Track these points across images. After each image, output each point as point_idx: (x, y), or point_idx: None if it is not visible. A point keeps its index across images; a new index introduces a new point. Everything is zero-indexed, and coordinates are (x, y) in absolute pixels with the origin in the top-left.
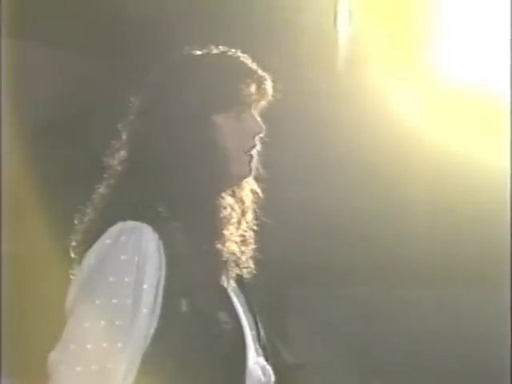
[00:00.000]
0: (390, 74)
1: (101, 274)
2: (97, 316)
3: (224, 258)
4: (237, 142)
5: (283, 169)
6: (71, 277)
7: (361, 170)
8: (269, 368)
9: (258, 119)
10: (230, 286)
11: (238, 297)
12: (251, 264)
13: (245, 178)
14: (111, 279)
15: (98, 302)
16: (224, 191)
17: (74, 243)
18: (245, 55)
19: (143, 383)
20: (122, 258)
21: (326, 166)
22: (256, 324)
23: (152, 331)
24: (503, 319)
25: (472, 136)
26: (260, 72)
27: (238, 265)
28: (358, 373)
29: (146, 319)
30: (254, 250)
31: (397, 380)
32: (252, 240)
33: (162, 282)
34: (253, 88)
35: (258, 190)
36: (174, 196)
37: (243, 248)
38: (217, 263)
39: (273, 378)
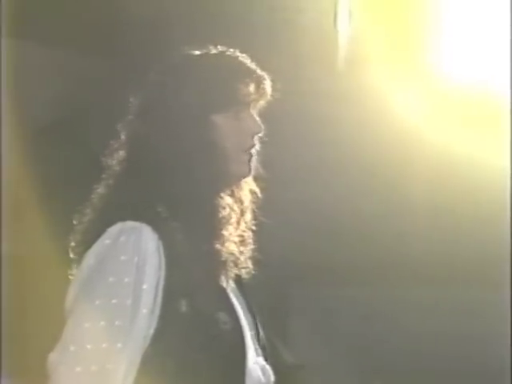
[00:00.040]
0: (390, 74)
1: (100, 275)
2: (96, 316)
3: (223, 258)
4: (236, 141)
5: (283, 169)
6: (70, 277)
7: (361, 170)
8: (268, 368)
9: (257, 119)
10: (230, 286)
11: (237, 297)
12: (250, 264)
13: (244, 177)
14: (111, 279)
15: (97, 302)
16: (223, 191)
17: (73, 243)
18: (243, 55)
19: (143, 383)
20: (122, 258)
21: (326, 166)
22: (255, 324)
23: (152, 331)
24: (503, 319)
25: (472, 136)
26: (259, 71)
27: (236, 265)
28: (359, 373)
29: (145, 319)
30: (253, 250)
31: (397, 380)
32: (251, 240)
33: (162, 283)
34: (251, 87)
35: (257, 190)
36: (174, 196)
37: (242, 248)
38: (216, 263)
39: (272, 378)
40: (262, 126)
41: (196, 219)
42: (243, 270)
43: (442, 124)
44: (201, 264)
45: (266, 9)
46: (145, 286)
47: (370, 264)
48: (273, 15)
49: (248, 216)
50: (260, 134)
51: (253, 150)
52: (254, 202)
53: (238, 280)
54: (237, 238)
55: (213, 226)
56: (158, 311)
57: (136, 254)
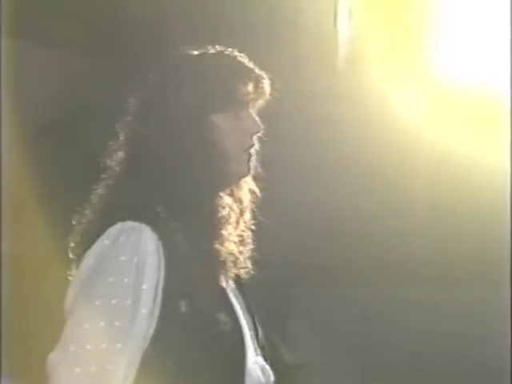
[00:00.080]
0: (390, 74)
1: (100, 275)
2: (96, 317)
3: (222, 258)
4: (235, 141)
5: (284, 169)
6: (70, 278)
7: (361, 170)
8: (268, 368)
9: (256, 118)
10: (229, 286)
11: (236, 297)
12: (249, 264)
13: (243, 177)
14: (110, 280)
15: (97, 302)
16: (222, 190)
17: (72, 244)
18: (242, 54)
19: None
20: (122, 258)
21: (326, 166)
22: (254, 324)
23: (151, 332)
24: (503, 319)
25: (472, 136)
26: (257, 71)
27: (235, 265)
28: (359, 373)
29: (145, 320)
30: (252, 250)
31: (398, 380)
32: (250, 240)
33: (161, 283)
34: (250, 87)
35: (256, 190)
36: (173, 196)
37: (241, 248)
38: (215, 263)
39: (272, 378)
40: (261, 126)
41: (195, 219)
42: (242, 270)
43: (441, 124)
44: (200, 264)
45: (266, 9)
46: (144, 287)
47: (371, 264)
48: (273, 15)
49: (247, 216)
50: (259, 134)
51: (252, 150)
52: (253, 202)
53: (238, 280)
54: (236, 237)
55: (212, 225)
56: (157, 311)
57: (135, 254)
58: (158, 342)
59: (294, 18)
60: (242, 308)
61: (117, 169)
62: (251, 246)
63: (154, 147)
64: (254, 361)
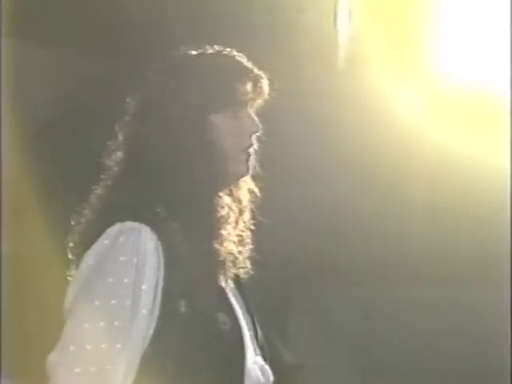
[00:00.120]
0: (390, 74)
1: (100, 275)
2: (96, 317)
3: (222, 258)
4: (234, 141)
5: (284, 169)
6: (69, 278)
7: (361, 170)
8: (267, 368)
9: (255, 118)
10: (228, 286)
11: (235, 297)
12: (248, 264)
13: (242, 176)
14: (110, 280)
15: (97, 303)
16: (221, 190)
17: (71, 244)
18: (240, 54)
19: None
20: (121, 258)
21: (326, 166)
22: (253, 324)
23: (151, 332)
24: (503, 318)
25: (472, 136)
26: (256, 70)
27: (235, 265)
28: (359, 373)
29: (144, 320)
30: (252, 250)
31: (398, 380)
32: (249, 240)
33: (161, 283)
34: (249, 86)
35: (256, 190)
36: (173, 196)
37: (240, 248)
38: (215, 263)
39: (271, 378)
40: (260, 125)
41: (195, 219)
42: (241, 270)
43: (441, 124)
44: (200, 264)
45: (266, 9)
46: (144, 287)
47: (371, 264)
48: (273, 15)
49: (246, 215)
50: (258, 134)
51: (251, 150)
52: (252, 202)
53: (237, 280)
54: (235, 237)
55: (211, 225)
56: (157, 312)
57: (135, 254)
58: (157, 342)
59: (294, 18)
60: (241, 308)
61: (116, 169)
62: (250, 246)
63: (152, 147)
64: (254, 361)
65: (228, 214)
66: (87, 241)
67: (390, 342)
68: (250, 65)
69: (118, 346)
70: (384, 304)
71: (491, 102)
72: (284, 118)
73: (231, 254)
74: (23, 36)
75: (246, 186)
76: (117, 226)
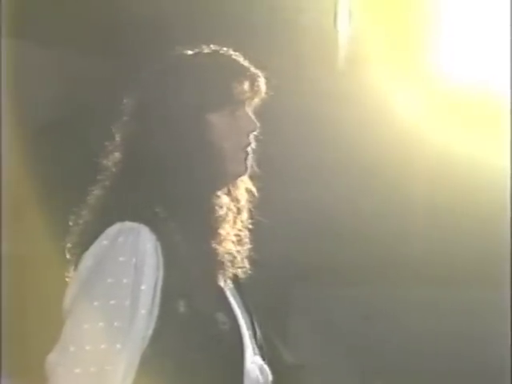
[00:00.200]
0: (390, 74)
1: (99, 276)
2: (95, 317)
3: (220, 258)
4: (232, 140)
5: (284, 169)
6: (67, 279)
7: (361, 170)
8: (266, 367)
9: (252, 117)
10: (227, 286)
11: (234, 296)
12: (246, 264)
13: (240, 175)
14: (109, 280)
15: (96, 303)
16: (220, 189)
17: (69, 245)
18: (237, 53)
19: None
20: (120, 259)
21: (326, 166)
22: (252, 323)
23: (150, 332)
24: (503, 318)
25: (472, 136)
26: (253, 69)
27: (233, 264)
28: (359, 373)
29: (144, 320)
30: (250, 249)
31: (398, 380)
32: (247, 240)
33: (160, 283)
34: (246, 85)
35: (253, 189)
36: (171, 196)
37: (239, 247)
38: (214, 263)
39: (270, 378)
40: (258, 124)
41: (193, 219)
42: (240, 270)
43: (442, 124)
44: (199, 264)
45: (266, 9)
46: (143, 287)
47: (371, 263)
48: (273, 15)
49: (244, 215)
50: (255, 132)
51: (249, 149)
52: (250, 201)
53: (236, 280)
54: (234, 237)
55: (210, 225)
56: (156, 312)
57: (134, 254)
58: (156, 342)
59: (294, 18)
60: (240, 308)
61: (113, 170)
62: (249, 246)
63: (150, 147)
64: (252, 360)
65: (226, 213)
66: (85, 241)
67: (389, 342)
68: (246, 63)
69: (118, 346)
70: (384, 304)
71: (491, 101)
72: (284, 118)
73: (230, 253)
74: (23, 36)
75: (244, 186)
76: (116, 227)
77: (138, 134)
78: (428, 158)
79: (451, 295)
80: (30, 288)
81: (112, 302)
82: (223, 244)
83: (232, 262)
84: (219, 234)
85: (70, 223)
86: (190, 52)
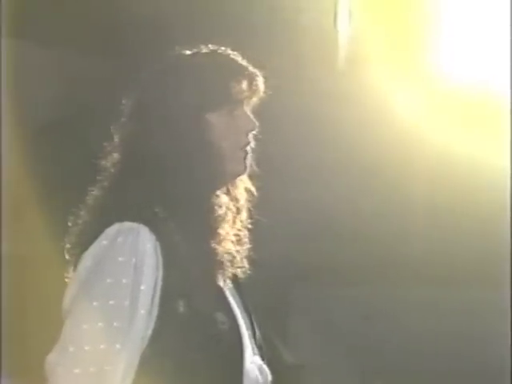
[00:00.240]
0: (390, 74)
1: (98, 276)
2: (95, 317)
3: (220, 258)
4: (231, 139)
5: (284, 169)
6: (66, 280)
7: (361, 170)
8: (265, 367)
9: (251, 116)
10: (227, 286)
11: (233, 296)
12: (246, 264)
13: (239, 175)
14: (109, 281)
15: (95, 303)
16: (219, 189)
17: (68, 245)
18: (235, 52)
19: None
20: (120, 259)
21: (326, 166)
22: (251, 323)
23: (149, 332)
24: (503, 318)
25: (472, 136)
26: (251, 68)
27: (233, 264)
28: (359, 373)
29: (143, 320)
30: (250, 249)
31: (398, 380)
32: (247, 239)
33: (160, 283)
34: (244, 85)
35: (252, 189)
36: (170, 196)
37: (238, 247)
38: (213, 263)
39: (270, 378)
40: (257, 123)
41: (193, 218)
42: (239, 270)
43: (442, 124)
44: (198, 264)
45: (266, 9)
46: (143, 287)
47: (371, 263)
48: (273, 15)
49: (244, 215)
50: (254, 132)
51: (248, 148)
52: (249, 201)
53: (235, 279)
54: (233, 236)
55: (209, 224)
56: (155, 312)
57: (133, 255)
58: (156, 342)
59: (294, 18)
60: (239, 307)
61: (112, 170)
62: (248, 246)
63: (149, 147)
64: (252, 360)
65: (225, 212)
66: (84, 242)
67: (389, 342)
68: (244, 63)
69: (117, 346)
70: (384, 304)
71: (491, 101)
72: (284, 118)
73: (229, 253)
74: (23, 36)
75: (243, 185)
76: (115, 227)
77: (136, 134)
78: (428, 158)
79: (451, 295)
80: (30, 288)
81: (111, 302)
82: (222, 244)
83: (231, 261)
84: (219, 234)
85: (69, 224)
86: (188, 52)
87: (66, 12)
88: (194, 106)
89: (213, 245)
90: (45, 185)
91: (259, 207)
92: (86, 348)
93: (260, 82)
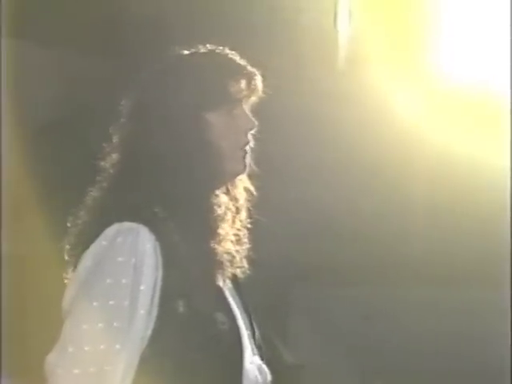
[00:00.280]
0: (390, 74)
1: (98, 276)
2: (94, 318)
3: (219, 258)
4: (230, 139)
5: (284, 169)
6: (65, 281)
7: (361, 170)
8: (265, 367)
9: (250, 115)
10: (226, 286)
11: (233, 296)
12: (245, 264)
13: (239, 174)
14: (108, 281)
15: (95, 303)
16: (218, 188)
17: (67, 246)
18: (233, 52)
19: None
20: (119, 259)
21: (326, 166)
22: (251, 323)
23: (149, 332)
24: (503, 318)
25: (472, 136)
26: (249, 68)
27: (232, 264)
28: (359, 373)
29: (143, 320)
30: (249, 249)
31: (398, 380)
32: (246, 239)
33: (159, 283)
34: (243, 84)
35: (252, 188)
36: (170, 196)
37: (238, 247)
38: (212, 263)
39: (269, 378)
40: (256, 122)
41: (192, 218)
42: (239, 270)
43: (442, 124)
44: (198, 264)
45: (266, 9)
46: (142, 287)
47: (371, 263)
48: (273, 15)
49: (243, 214)
50: (253, 131)
51: (247, 147)
52: (248, 201)
53: (235, 279)
54: (233, 236)
55: (209, 224)
56: (155, 312)
57: (133, 255)
58: (155, 342)
59: (294, 18)
60: (238, 308)
61: (111, 171)
62: (248, 246)
63: (148, 147)
64: (251, 360)
65: (225, 212)
66: (84, 242)
67: (389, 341)
68: (243, 62)
69: (117, 346)
70: (384, 304)
71: (491, 101)
72: (284, 118)
73: (229, 253)
74: (23, 36)
75: (243, 185)
76: (115, 227)
77: (135, 134)
78: (428, 158)
79: (451, 295)
80: (30, 288)
81: (111, 302)
82: (222, 244)
83: (231, 261)
84: (218, 234)
85: (68, 224)
86: (186, 52)
87: (66, 12)
88: (193, 106)
89: (212, 245)
90: (45, 185)
91: (259, 207)
92: (86, 348)
93: (258, 81)
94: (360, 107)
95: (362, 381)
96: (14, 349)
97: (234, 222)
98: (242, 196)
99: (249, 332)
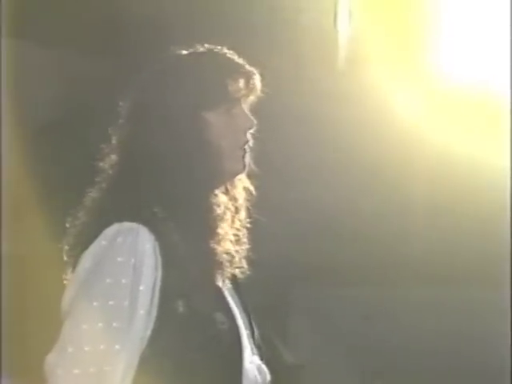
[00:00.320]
0: (390, 74)
1: (97, 276)
2: (94, 318)
3: (219, 258)
4: (229, 138)
5: (284, 169)
6: (64, 281)
7: (361, 170)
8: (264, 367)
9: (249, 114)
10: (226, 286)
11: (232, 296)
12: (244, 264)
13: (238, 174)
14: (108, 281)
15: (95, 303)
16: (217, 188)
17: (66, 247)
18: (231, 51)
19: None
20: (119, 259)
21: (326, 166)
22: (250, 323)
23: (149, 332)
24: (503, 318)
25: (472, 136)
26: (247, 67)
27: (231, 264)
28: (359, 373)
29: (142, 320)
30: (249, 249)
31: (398, 380)
32: (245, 239)
33: (159, 283)
34: (241, 83)
35: (251, 188)
36: (169, 196)
37: (237, 247)
38: (212, 263)
39: (268, 378)
40: (255, 122)
41: (192, 218)
42: (238, 270)
43: (442, 124)
44: (197, 264)
45: (266, 9)
46: (142, 288)
47: (371, 263)
48: (273, 15)
49: (242, 214)
50: (252, 130)
51: (246, 146)
52: (248, 200)
53: (234, 279)
54: (232, 236)
55: (208, 224)
56: (155, 312)
57: (133, 255)
58: (155, 342)
59: (294, 18)
60: (238, 308)
61: (110, 172)
62: (247, 246)
63: (147, 147)
64: (251, 360)
65: (224, 212)
66: (83, 243)
67: (389, 341)
68: (241, 61)
69: (117, 346)
70: (384, 304)
71: (491, 101)
72: (284, 118)
73: (228, 253)
74: (23, 36)
75: (242, 184)
76: (114, 227)
77: (134, 134)
78: (428, 158)
79: (451, 295)
80: (30, 288)
81: (111, 302)
82: (221, 243)
83: (230, 261)
84: (217, 234)
85: (67, 225)
86: (184, 52)
87: (66, 12)
88: (192, 105)
89: (212, 244)
90: (45, 185)
91: (258, 207)
92: (86, 348)
93: (257, 80)
94: (360, 107)
95: (361, 381)
96: (14, 349)
97: (233, 221)
98: (241, 196)
99: (248, 332)
